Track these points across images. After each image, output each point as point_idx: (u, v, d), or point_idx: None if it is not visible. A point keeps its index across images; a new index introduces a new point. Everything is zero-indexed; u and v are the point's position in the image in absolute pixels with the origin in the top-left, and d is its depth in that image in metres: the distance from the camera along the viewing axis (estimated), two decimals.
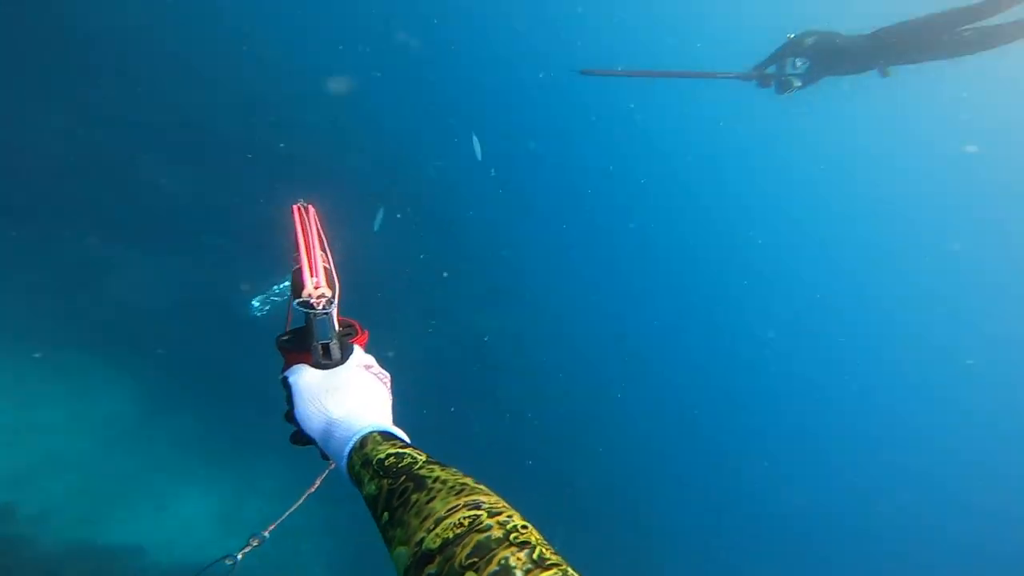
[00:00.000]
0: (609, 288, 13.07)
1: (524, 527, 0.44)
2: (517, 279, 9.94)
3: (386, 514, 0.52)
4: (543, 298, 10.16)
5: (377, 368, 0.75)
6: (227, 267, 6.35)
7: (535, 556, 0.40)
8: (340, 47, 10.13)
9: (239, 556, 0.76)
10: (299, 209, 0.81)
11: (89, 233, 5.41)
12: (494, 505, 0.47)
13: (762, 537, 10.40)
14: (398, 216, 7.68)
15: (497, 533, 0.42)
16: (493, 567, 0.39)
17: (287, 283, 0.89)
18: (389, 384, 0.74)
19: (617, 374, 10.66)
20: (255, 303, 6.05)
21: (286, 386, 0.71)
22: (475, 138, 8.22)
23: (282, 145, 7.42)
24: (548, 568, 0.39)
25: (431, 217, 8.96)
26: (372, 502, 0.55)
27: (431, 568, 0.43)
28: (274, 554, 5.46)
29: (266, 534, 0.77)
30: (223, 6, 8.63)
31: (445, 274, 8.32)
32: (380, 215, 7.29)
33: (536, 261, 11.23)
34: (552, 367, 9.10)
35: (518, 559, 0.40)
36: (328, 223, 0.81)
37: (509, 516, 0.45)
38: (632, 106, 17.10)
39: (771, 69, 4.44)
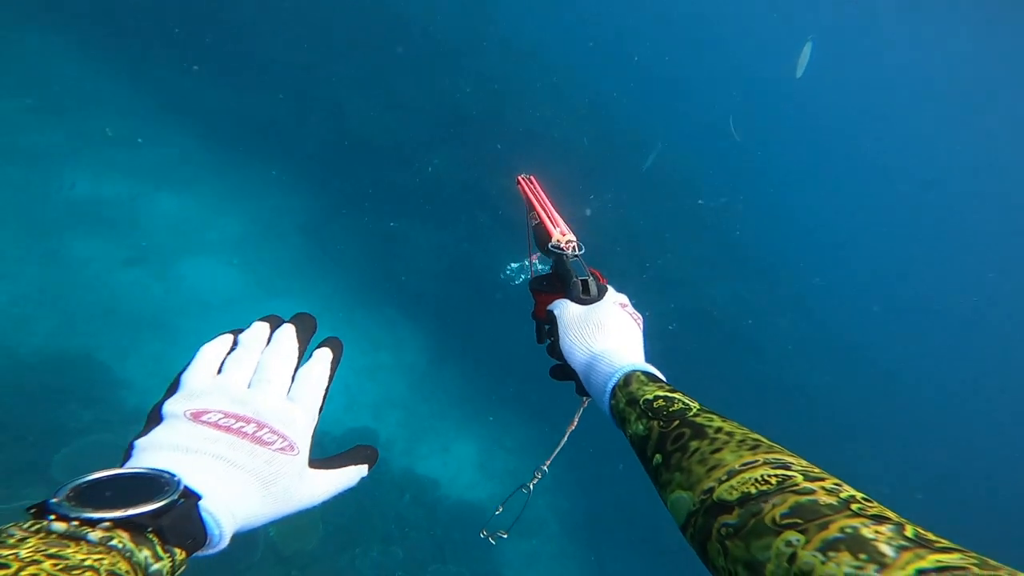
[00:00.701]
0: (862, 262, 11.84)
1: (866, 499, 0.38)
2: (754, 248, 9.47)
3: (658, 456, 0.50)
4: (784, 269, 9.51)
5: (631, 308, 0.74)
6: (489, 240, 7.02)
7: (908, 534, 0.33)
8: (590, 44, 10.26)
9: (531, 485, 0.80)
10: (524, 180, 0.89)
11: (396, 213, 6.32)
12: (809, 469, 0.43)
13: None
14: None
15: (826, 499, 0.38)
16: (831, 532, 0.34)
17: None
18: (642, 324, 0.73)
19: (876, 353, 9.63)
20: (511, 268, 6.57)
21: (549, 319, 0.73)
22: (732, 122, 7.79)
23: (544, 131, 7.82)
24: (945, 551, 0.31)
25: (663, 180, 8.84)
26: (640, 443, 0.54)
27: (728, 518, 0.40)
28: (513, 507, 6.07)
29: (545, 468, 0.80)
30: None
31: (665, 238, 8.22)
32: (653, 155, 7.25)
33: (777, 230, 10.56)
34: (799, 341, 8.44)
35: (878, 531, 0.34)
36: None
37: (837, 484, 0.40)
38: None
39: None
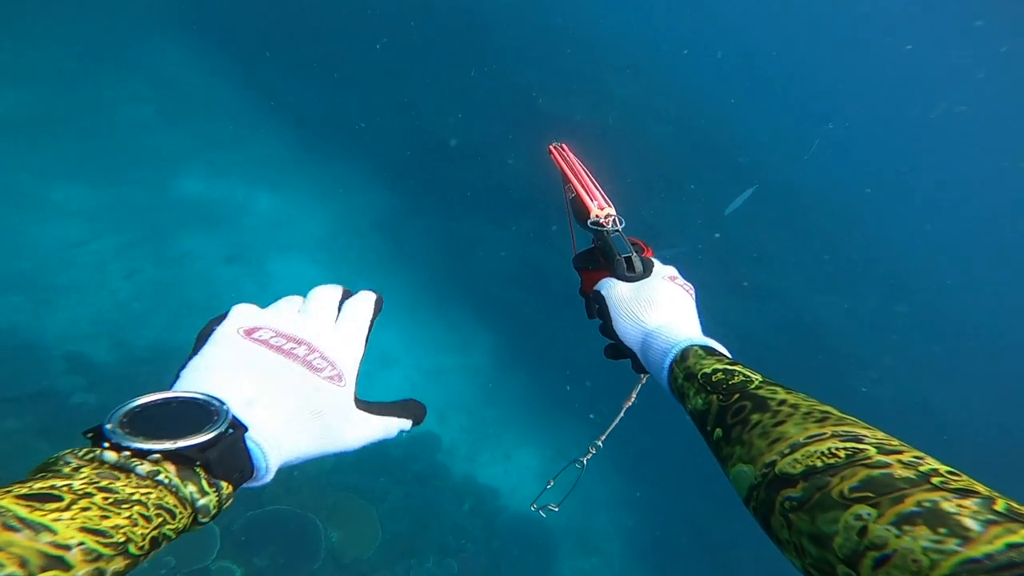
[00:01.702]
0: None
1: (952, 473, 0.35)
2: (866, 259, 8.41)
3: (719, 430, 0.49)
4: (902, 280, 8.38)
5: (681, 279, 0.72)
6: (562, 242, 6.81)
7: (999, 508, 0.30)
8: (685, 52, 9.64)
9: (584, 460, 0.81)
10: (556, 149, 0.86)
11: (470, 213, 6.27)
12: (885, 442, 0.39)
13: None
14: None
15: (902, 472, 0.35)
16: (907, 506, 0.32)
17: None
18: (694, 295, 0.71)
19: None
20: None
21: (597, 300, 0.72)
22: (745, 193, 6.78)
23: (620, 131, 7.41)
24: None
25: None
26: (699, 417, 0.53)
27: (792, 492, 0.38)
28: (575, 520, 5.88)
29: (600, 443, 0.80)
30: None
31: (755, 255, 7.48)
32: (745, 195, 6.59)
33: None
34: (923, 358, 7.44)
35: (961, 505, 0.31)
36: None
37: (918, 457, 0.37)
38: None
39: None
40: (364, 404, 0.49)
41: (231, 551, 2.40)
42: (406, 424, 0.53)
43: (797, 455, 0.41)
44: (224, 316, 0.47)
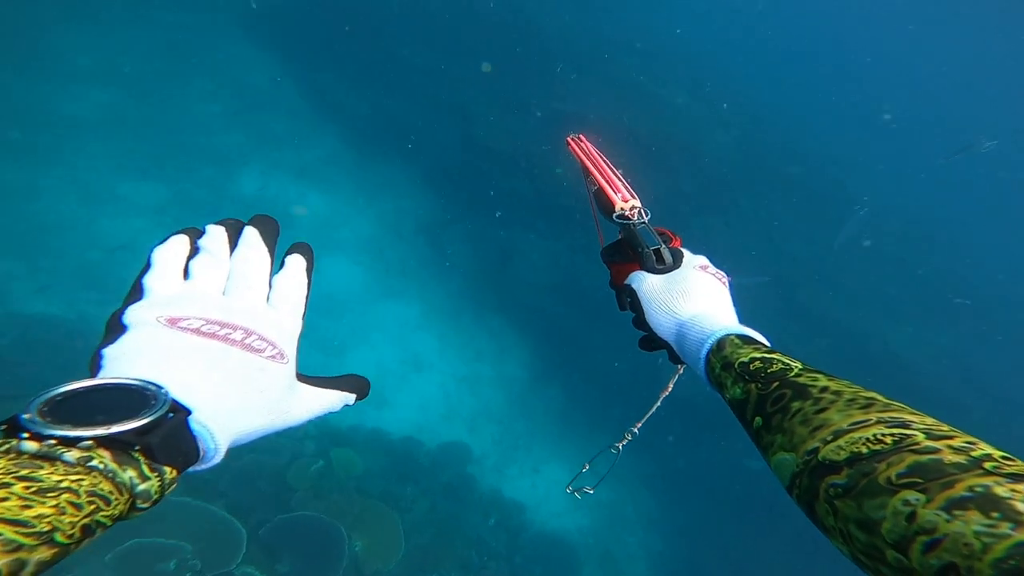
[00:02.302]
0: None
1: (1007, 458, 0.34)
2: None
3: (759, 419, 0.49)
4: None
5: (713, 268, 0.72)
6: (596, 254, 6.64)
7: None
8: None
9: (620, 446, 0.82)
10: (573, 140, 0.86)
11: (513, 221, 6.22)
12: (934, 427, 0.38)
13: None
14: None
15: (953, 458, 0.34)
16: (957, 491, 0.31)
17: None
18: (727, 283, 0.71)
19: None
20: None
21: (628, 293, 0.72)
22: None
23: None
24: None
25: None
26: (738, 406, 0.52)
27: (836, 478, 0.38)
28: (601, 539, 5.71)
29: (636, 430, 0.80)
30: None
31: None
32: (854, 225, 6.03)
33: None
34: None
35: (1014, 490, 0.30)
36: None
37: (970, 442, 0.36)
38: None
39: None
40: (307, 379, 0.47)
41: (256, 555, 2.46)
42: (350, 398, 0.51)
43: (841, 442, 0.40)
44: (135, 298, 0.43)
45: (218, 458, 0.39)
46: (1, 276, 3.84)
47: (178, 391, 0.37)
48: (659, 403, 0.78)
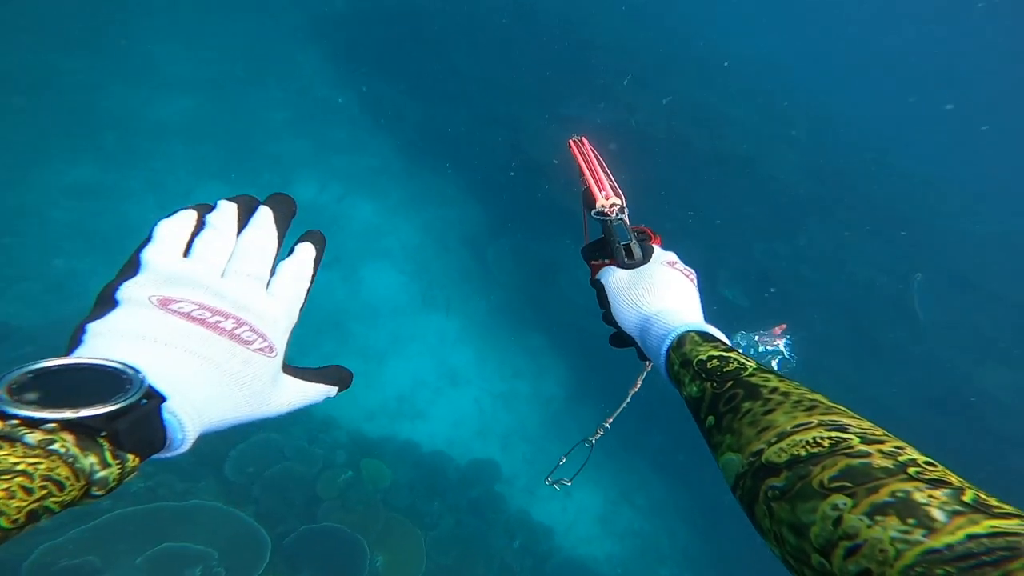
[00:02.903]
0: None
1: (930, 463, 0.35)
2: None
3: (711, 418, 0.50)
4: None
5: (681, 264, 0.73)
6: None
7: (966, 499, 0.31)
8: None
9: (593, 440, 0.85)
10: (574, 143, 0.88)
11: (559, 236, 6.11)
12: (869, 432, 0.40)
13: None
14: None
15: (881, 462, 0.35)
16: (881, 496, 0.32)
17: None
18: (695, 280, 0.72)
19: None
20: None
21: (597, 287, 0.75)
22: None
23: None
24: (1004, 516, 0.29)
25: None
26: (693, 404, 0.53)
27: (775, 481, 0.39)
28: (631, 571, 5.48)
29: (607, 424, 0.84)
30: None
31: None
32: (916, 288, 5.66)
33: None
34: None
35: (932, 496, 0.32)
36: None
37: (898, 447, 0.37)
38: None
39: None
40: (292, 370, 0.46)
41: (279, 566, 2.52)
42: (331, 390, 0.51)
43: (783, 444, 0.41)
44: (131, 272, 0.41)
45: (184, 447, 0.37)
46: (82, 273, 4.21)
47: (155, 376, 0.35)
48: (628, 400, 0.79)
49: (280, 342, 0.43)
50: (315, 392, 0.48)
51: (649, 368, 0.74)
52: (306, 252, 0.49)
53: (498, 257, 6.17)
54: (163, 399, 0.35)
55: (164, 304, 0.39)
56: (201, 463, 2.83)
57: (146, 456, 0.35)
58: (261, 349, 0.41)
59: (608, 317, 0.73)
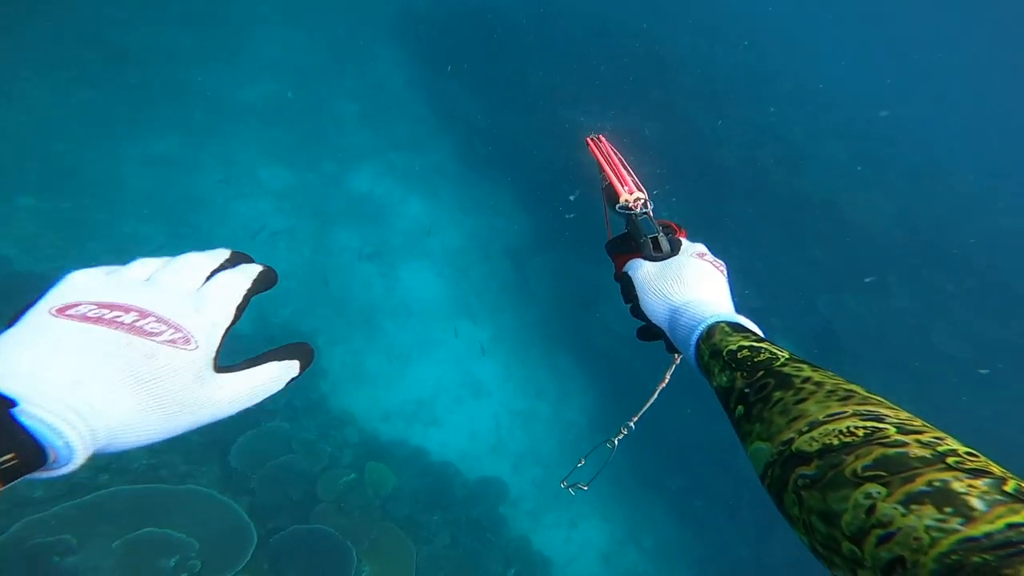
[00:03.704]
0: None
1: (971, 453, 0.35)
2: None
3: (740, 407, 0.49)
4: None
5: (711, 256, 0.73)
6: None
7: (1008, 488, 0.31)
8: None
9: (615, 441, 0.83)
10: (592, 140, 0.89)
11: (605, 260, 5.89)
12: (907, 422, 0.39)
13: None
14: None
15: (918, 451, 0.35)
16: (917, 486, 0.32)
17: None
18: (725, 271, 0.72)
19: None
20: None
21: (625, 281, 0.73)
22: None
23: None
24: None
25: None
26: (723, 394, 0.53)
27: (805, 469, 0.39)
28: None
29: (632, 424, 0.81)
30: None
31: None
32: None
33: None
34: None
35: (971, 485, 0.31)
36: None
37: (938, 437, 0.36)
38: None
39: None
40: (237, 364, 0.41)
41: (259, 565, 2.53)
42: (292, 368, 0.44)
43: (815, 433, 0.41)
44: (51, 292, 0.38)
45: (75, 461, 0.31)
46: (144, 236, 4.52)
47: (12, 382, 0.30)
48: (655, 396, 0.78)
49: (204, 335, 0.38)
50: (267, 376, 0.41)
51: (678, 361, 0.73)
52: (252, 268, 0.45)
53: (539, 273, 6.05)
54: (12, 403, 0.29)
55: (61, 312, 0.35)
56: (211, 445, 2.91)
57: (15, 473, 0.28)
58: (172, 340, 0.36)
59: (636, 310, 0.72)
